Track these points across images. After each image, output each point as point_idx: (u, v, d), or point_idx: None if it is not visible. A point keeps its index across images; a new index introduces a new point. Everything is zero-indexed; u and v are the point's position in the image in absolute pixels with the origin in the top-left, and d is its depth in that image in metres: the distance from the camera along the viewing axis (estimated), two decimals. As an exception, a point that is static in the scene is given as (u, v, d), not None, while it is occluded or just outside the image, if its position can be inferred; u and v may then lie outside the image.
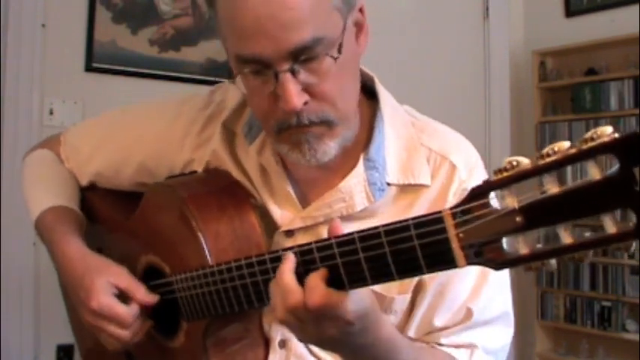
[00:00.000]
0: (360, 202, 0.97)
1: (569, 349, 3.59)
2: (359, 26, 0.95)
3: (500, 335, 1.03)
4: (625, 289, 3.36)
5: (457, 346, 0.99)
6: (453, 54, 3.55)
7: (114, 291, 1.01)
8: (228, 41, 0.89)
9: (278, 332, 1.01)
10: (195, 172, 1.11)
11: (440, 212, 0.69)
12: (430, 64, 3.46)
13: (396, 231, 0.73)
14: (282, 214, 1.02)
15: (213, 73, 2.95)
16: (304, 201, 1.02)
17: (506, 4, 3.78)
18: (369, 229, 0.75)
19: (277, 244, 1.01)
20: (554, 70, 3.74)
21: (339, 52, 0.87)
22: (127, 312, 1.00)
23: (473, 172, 1.01)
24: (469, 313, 0.99)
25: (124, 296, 1.02)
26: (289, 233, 1.01)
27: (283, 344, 1.01)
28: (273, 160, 1.02)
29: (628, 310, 3.38)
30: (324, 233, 0.97)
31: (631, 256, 3.34)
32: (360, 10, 0.94)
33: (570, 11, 3.72)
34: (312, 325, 0.79)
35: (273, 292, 0.82)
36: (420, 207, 0.98)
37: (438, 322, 0.99)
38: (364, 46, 0.96)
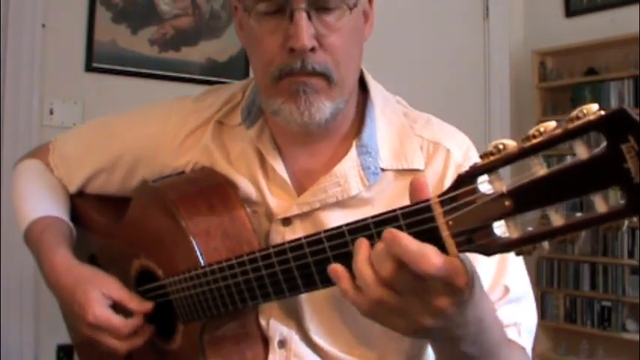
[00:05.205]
0: (354, 186, 0.97)
1: (569, 349, 3.58)
2: (366, 16, 0.99)
3: (533, 312, 0.99)
4: (625, 289, 3.36)
5: (505, 326, 0.93)
6: (453, 54, 3.55)
7: (108, 302, 1.01)
8: None
9: (276, 332, 1.00)
10: (183, 172, 1.10)
11: (428, 200, 0.68)
12: (430, 64, 3.46)
13: (385, 222, 0.71)
14: (278, 202, 1.01)
15: (213, 73, 2.95)
16: (299, 189, 1.02)
17: (506, 4, 3.78)
18: (357, 221, 0.74)
19: (275, 233, 1.00)
20: (554, 70, 3.74)
21: (355, 5, 0.91)
22: (124, 323, 0.99)
23: (468, 155, 1.01)
24: (506, 290, 0.95)
25: (117, 306, 1.01)
26: (286, 221, 1.00)
27: (282, 344, 1.00)
28: (270, 145, 1.03)
29: (628, 310, 3.38)
30: (321, 220, 0.98)
31: (631, 255, 3.34)
32: (370, 2, 0.99)
33: (570, 11, 3.72)
34: (419, 297, 0.68)
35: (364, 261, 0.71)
36: None
37: None
38: (368, 36, 1.00)
